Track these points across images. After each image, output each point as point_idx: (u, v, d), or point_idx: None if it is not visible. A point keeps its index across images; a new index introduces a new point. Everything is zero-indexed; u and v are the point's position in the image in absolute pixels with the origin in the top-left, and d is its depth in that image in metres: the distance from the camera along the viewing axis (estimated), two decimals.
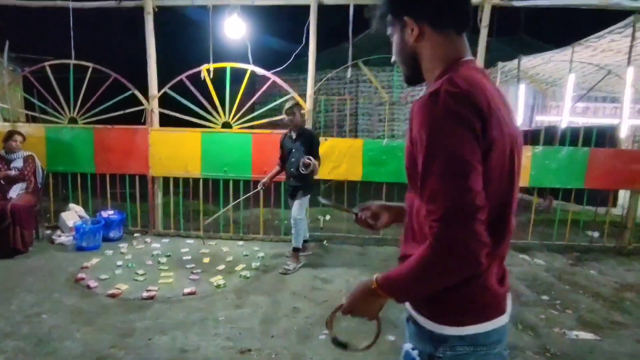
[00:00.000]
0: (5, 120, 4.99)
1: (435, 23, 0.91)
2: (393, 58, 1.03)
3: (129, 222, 4.99)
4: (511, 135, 0.87)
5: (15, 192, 4.10)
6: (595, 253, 4.60)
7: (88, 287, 3.26)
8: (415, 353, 0.93)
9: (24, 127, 4.73)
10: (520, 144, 0.93)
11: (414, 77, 1.01)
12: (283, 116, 3.85)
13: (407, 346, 0.96)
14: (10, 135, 4.18)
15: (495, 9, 4.44)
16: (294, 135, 3.87)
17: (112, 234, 4.58)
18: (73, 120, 4.79)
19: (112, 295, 3.11)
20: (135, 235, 4.83)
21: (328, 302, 3.13)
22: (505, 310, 0.93)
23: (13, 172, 4.10)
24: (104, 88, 4.69)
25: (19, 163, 4.19)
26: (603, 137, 4.96)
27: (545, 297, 3.37)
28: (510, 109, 0.93)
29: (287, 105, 3.81)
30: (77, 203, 4.93)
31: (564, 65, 8.08)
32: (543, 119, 10.63)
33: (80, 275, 3.47)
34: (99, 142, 4.78)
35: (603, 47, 6.97)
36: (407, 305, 0.98)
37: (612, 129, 5.17)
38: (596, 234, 5.06)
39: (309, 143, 3.79)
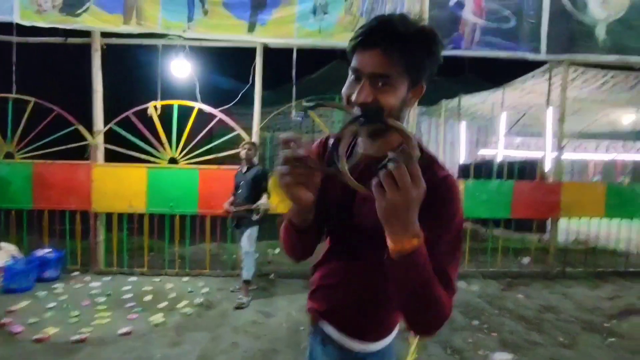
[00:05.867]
0: None
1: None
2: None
3: (68, 261, 4.77)
4: None
5: None
6: (525, 278, 4.97)
7: (12, 332, 3.08)
8: None
9: None
10: None
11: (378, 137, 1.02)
12: (237, 150, 4.13)
13: None
14: None
15: None
16: (244, 170, 4.04)
17: (47, 274, 4.36)
18: (10, 155, 4.64)
19: (39, 340, 2.96)
20: (74, 274, 4.63)
21: (267, 336, 3.17)
22: None
23: None
24: (45, 123, 4.60)
25: None
26: (534, 170, 5.48)
27: (475, 322, 3.59)
28: None
29: (246, 140, 4.13)
30: (10, 241, 4.67)
31: (498, 104, 8.90)
32: (485, 153, 11.48)
33: (4, 320, 3.27)
34: (38, 177, 4.63)
35: (528, 89, 7.80)
36: (333, 332, 1.09)
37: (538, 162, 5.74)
38: (526, 260, 5.47)
39: (258, 178, 3.96)
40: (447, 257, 0.89)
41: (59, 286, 4.17)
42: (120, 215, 4.77)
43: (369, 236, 0.95)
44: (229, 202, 4.10)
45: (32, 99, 4.62)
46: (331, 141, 0.83)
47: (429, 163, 0.95)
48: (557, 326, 3.54)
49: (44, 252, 4.47)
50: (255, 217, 3.87)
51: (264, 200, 3.85)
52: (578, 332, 3.44)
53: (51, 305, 3.65)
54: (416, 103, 0.98)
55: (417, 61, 0.89)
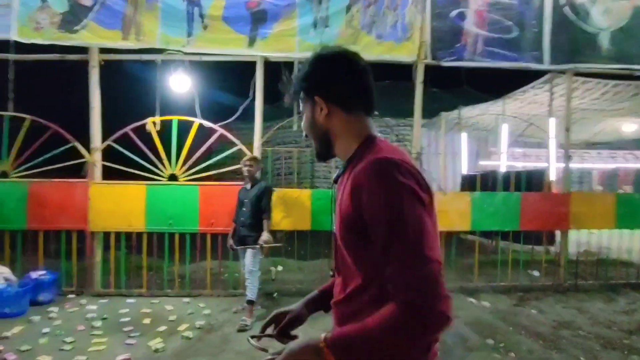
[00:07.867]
0: None
1: (345, 106, 1.00)
2: (304, 133, 1.08)
3: (63, 282, 4.61)
4: (431, 195, 0.91)
5: None
6: (536, 292, 4.81)
7: None
8: None
9: None
10: (434, 203, 0.94)
11: (324, 153, 1.07)
12: (238, 166, 4.11)
13: None
14: None
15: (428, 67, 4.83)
16: (248, 187, 3.96)
17: (41, 297, 4.19)
18: (4, 174, 4.52)
19: None
20: (70, 296, 4.45)
21: None
22: None
23: None
24: (42, 141, 4.50)
25: None
26: (540, 180, 5.40)
27: (490, 341, 3.43)
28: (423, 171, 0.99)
29: (247, 156, 4.10)
30: (4, 263, 4.50)
31: (499, 115, 8.85)
32: (486, 164, 11.41)
33: None
34: (33, 196, 4.49)
35: (529, 100, 7.76)
36: None
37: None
38: (536, 273, 5.32)
39: (261, 195, 3.88)
40: (386, 254, 0.82)
41: (53, 310, 3.99)
42: (118, 234, 4.63)
43: (341, 250, 1.00)
44: (230, 235, 4.04)
45: (29, 117, 4.52)
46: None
47: (364, 154, 0.94)
48: (575, 343, 3.39)
49: (39, 274, 4.30)
50: (261, 257, 3.87)
51: (265, 236, 3.76)
52: (598, 349, 3.29)
53: (45, 330, 3.48)
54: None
55: (301, 85, 1.04)
